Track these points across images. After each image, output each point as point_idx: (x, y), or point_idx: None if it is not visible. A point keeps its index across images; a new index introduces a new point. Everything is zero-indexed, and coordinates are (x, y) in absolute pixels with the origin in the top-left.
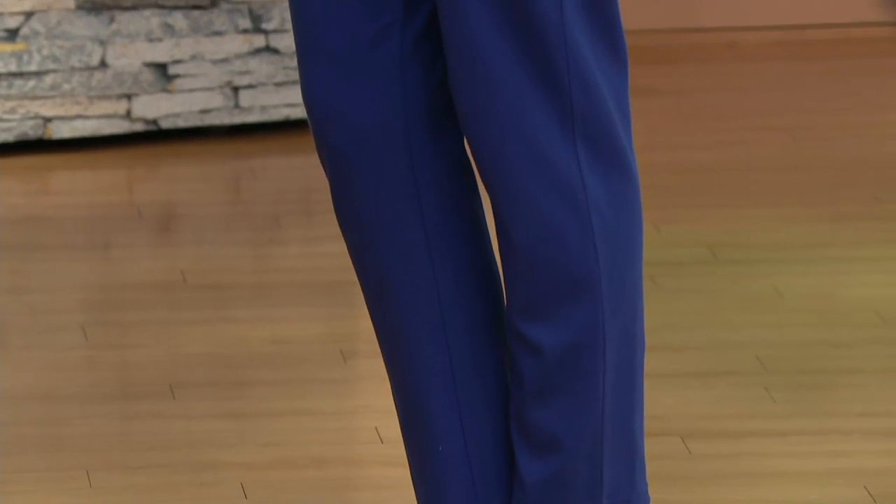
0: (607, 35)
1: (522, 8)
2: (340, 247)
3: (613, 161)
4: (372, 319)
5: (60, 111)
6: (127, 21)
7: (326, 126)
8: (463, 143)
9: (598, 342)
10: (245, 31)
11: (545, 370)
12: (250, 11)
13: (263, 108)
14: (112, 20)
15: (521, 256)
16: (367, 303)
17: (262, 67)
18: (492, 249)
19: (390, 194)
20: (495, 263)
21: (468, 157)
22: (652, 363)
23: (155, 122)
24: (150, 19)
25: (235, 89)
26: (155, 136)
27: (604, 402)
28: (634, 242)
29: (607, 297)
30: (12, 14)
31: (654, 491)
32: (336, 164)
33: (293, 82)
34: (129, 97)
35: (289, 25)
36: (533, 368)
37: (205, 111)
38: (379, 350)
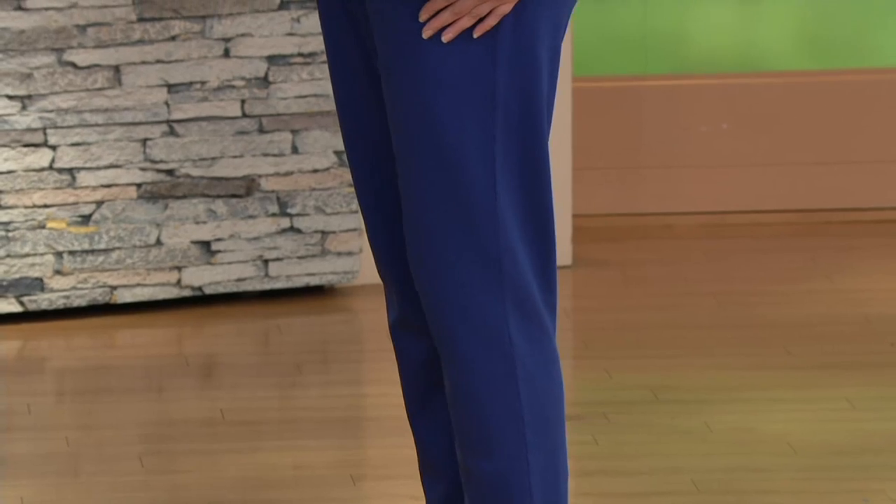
0: (537, 217)
1: (465, 199)
2: (351, 390)
3: (534, 321)
4: None
5: (124, 281)
6: (178, 207)
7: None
8: None
9: (524, 470)
10: (273, 215)
11: (483, 493)
12: (277, 199)
13: (288, 277)
14: (166, 207)
15: (461, 398)
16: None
17: (286, 244)
18: None
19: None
20: None
21: None
22: (604, 484)
23: (200, 288)
24: (197, 206)
25: (265, 262)
26: (200, 301)
27: None
28: (552, 387)
29: (530, 432)
30: (86, 203)
31: None
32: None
33: (312, 256)
34: (179, 269)
35: (308, 209)
36: (474, 491)
37: (240, 279)
38: (381, 474)
